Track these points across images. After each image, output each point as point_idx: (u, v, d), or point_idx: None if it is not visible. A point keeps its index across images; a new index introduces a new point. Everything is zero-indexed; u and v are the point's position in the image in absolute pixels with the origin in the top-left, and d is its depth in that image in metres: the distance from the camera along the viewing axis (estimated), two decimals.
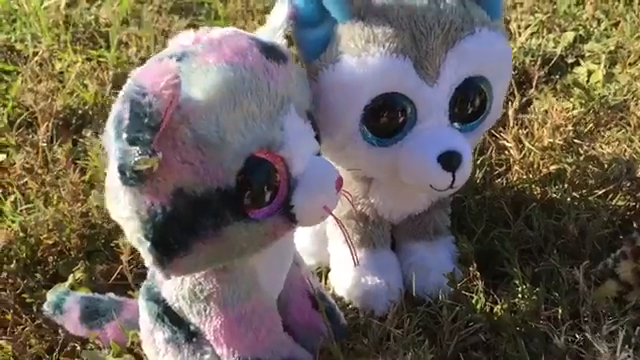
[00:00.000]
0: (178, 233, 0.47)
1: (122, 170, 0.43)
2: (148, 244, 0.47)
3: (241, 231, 0.49)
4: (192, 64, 0.47)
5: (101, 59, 1.27)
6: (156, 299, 0.61)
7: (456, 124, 0.61)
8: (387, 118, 0.60)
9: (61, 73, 1.21)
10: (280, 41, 0.55)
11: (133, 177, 0.43)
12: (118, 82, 1.13)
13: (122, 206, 0.47)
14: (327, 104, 0.59)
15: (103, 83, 1.15)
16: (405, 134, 0.60)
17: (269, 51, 0.51)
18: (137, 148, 0.42)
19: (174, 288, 0.58)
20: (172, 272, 0.51)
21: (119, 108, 0.43)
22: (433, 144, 0.59)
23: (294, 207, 0.51)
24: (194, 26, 1.37)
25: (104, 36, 1.35)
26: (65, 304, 0.72)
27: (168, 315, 0.61)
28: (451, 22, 0.57)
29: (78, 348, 0.73)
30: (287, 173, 0.50)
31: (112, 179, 0.47)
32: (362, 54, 0.57)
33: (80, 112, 1.11)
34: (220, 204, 0.47)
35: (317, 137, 0.54)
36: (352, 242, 0.62)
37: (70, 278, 0.79)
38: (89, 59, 1.27)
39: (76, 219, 0.85)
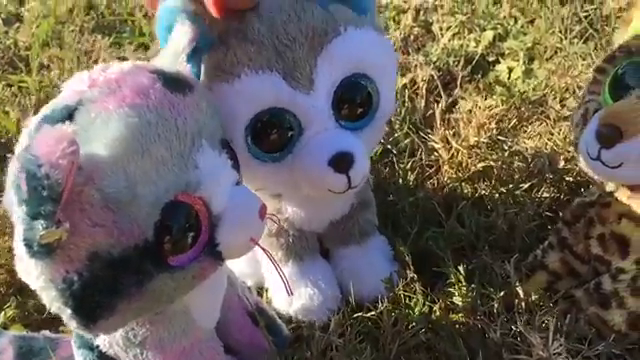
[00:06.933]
0: (100, 298, 0.44)
1: (28, 244, 0.40)
2: (69, 311, 0.45)
3: (167, 282, 0.47)
4: (90, 114, 0.44)
5: (22, 84, 1.23)
6: (89, 346, 0.58)
7: (346, 124, 0.61)
8: (272, 134, 0.60)
9: None
10: (184, 67, 0.52)
11: (41, 251, 0.40)
12: (41, 108, 1.09)
13: (34, 277, 0.44)
14: None
15: (25, 109, 1.11)
16: (294, 145, 0.60)
17: (173, 83, 0.48)
18: (41, 222, 0.39)
19: (106, 336, 0.56)
20: (100, 332, 0.49)
21: (15, 173, 0.40)
22: (321, 149, 0.59)
23: (219, 245, 0.48)
24: (118, 44, 1.36)
25: (24, 60, 1.30)
26: None
27: None
28: (314, 29, 0.57)
29: None
30: (208, 212, 0.48)
31: (20, 248, 0.42)
32: (229, 78, 0.57)
33: (2, 141, 1.06)
34: (140, 260, 0.44)
35: (235, 164, 0.52)
36: (281, 269, 0.61)
37: (1, 316, 0.76)
38: (9, 85, 1.23)
39: (4, 253, 0.81)
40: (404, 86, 1.11)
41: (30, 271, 0.44)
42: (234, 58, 0.57)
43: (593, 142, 0.58)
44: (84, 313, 0.45)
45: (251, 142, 0.59)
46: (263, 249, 0.53)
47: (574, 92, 1.02)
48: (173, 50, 0.52)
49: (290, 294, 0.62)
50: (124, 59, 1.27)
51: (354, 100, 0.62)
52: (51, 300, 0.45)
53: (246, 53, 0.57)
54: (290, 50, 0.57)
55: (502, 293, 0.70)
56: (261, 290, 0.79)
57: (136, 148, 0.43)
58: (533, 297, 0.70)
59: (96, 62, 1.25)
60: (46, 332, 0.71)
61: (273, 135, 0.60)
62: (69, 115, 0.44)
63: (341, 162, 0.59)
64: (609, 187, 0.64)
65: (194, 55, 0.54)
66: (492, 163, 0.88)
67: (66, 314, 0.45)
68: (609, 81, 0.61)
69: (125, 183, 0.42)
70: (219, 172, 0.48)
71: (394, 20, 1.36)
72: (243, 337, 0.66)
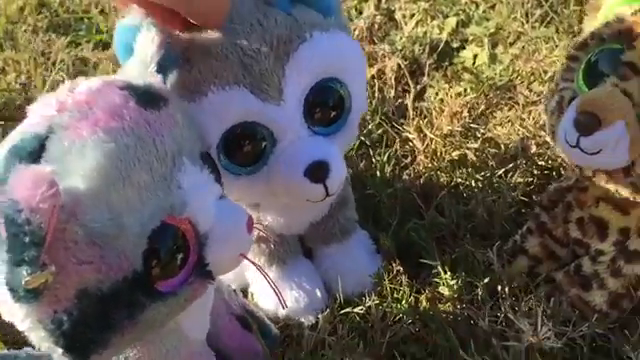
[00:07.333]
0: (92, 334, 0.42)
1: (12, 289, 0.38)
2: (60, 350, 0.42)
3: (160, 310, 0.45)
4: (63, 142, 0.41)
5: None
6: None
7: (320, 129, 0.60)
8: (245, 146, 0.58)
9: None
10: (154, 77, 0.48)
11: (27, 295, 0.38)
12: None
13: (19, 319, 0.41)
14: None
15: None
16: (268, 157, 0.58)
17: (147, 99, 0.44)
18: (25, 267, 0.37)
19: None
20: None
21: None
22: (296, 160, 0.57)
23: (209, 264, 0.46)
24: (75, 43, 1.32)
25: None
26: None
27: None
28: (278, 37, 0.55)
29: None
30: (195, 231, 0.45)
31: (3, 292, 0.39)
32: (196, 97, 0.55)
33: None
34: (131, 292, 0.42)
35: (217, 176, 0.50)
36: (273, 281, 0.58)
37: None
38: None
39: None
40: (372, 77, 1.11)
41: (15, 313, 0.41)
42: (199, 76, 0.55)
43: (571, 130, 0.59)
44: (77, 351, 0.43)
45: (223, 157, 0.57)
46: (253, 263, 0.52)
47: (540, 76, 1.04)
48: (140, 59, 0.49)
49: (284, 307, 0.60)
50: (84, 59, 1.25)
51: (326, 104, 0.60)
52: (40, 340, 0.42)
53: (211, 70, 0.55)
54: (256, 62, 0.55)
55: (486, 280, 0.71)
56: (246, 292, 0.78)
57: (116, 176, 0.41)
58: (516, 282, 0.71)
59: (54, 64, 1.21)
60: (29, 349, 0.68)
61: (246, 147, 0.58)
62: (40, 145, 0.41)
63: (317, 172, 0.58)
64: (587, 172, 0.66)
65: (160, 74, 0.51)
66: (467, 151, 0.89)
67: (57, 353, 0.43)
68: (583, 68, 0.61)
69: (109, 215, 0.40)
70: (203, 189, 0.46)
71: (356, 9, 1.35)
72: (233, 342, 0.66)
